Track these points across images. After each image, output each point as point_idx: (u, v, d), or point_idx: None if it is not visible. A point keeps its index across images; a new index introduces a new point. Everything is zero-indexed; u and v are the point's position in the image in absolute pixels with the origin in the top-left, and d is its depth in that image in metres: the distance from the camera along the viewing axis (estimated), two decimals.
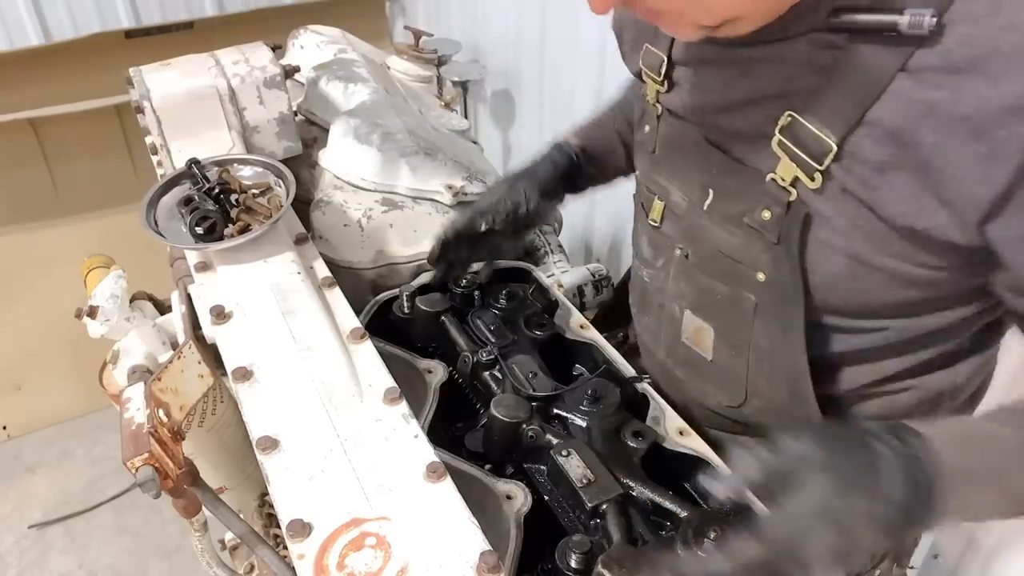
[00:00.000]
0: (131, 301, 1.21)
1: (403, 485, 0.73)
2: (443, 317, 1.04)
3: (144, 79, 1.23)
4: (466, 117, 2.51)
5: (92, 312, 1.12)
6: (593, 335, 1.05)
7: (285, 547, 0.72)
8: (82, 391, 2.59)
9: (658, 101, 0.94)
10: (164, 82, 1.22)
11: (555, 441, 0.84)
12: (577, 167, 1.14)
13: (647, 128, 0.98)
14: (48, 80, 2.32)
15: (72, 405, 2.83)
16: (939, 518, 0.61)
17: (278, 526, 0.73)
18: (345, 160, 1.29)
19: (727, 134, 0.84)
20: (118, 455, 0.76)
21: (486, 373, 0.96)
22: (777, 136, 0.76)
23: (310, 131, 1.45)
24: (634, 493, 0.80)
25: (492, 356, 0.96)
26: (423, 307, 1.04)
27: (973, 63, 0.63)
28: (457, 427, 0.97)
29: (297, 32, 1.70)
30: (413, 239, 1.22)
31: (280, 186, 1.11)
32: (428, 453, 0.76)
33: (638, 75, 1.01)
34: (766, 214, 0.79)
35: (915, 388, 0.88)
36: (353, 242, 1.20)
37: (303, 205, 1.26)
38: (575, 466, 0.80)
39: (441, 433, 0.92)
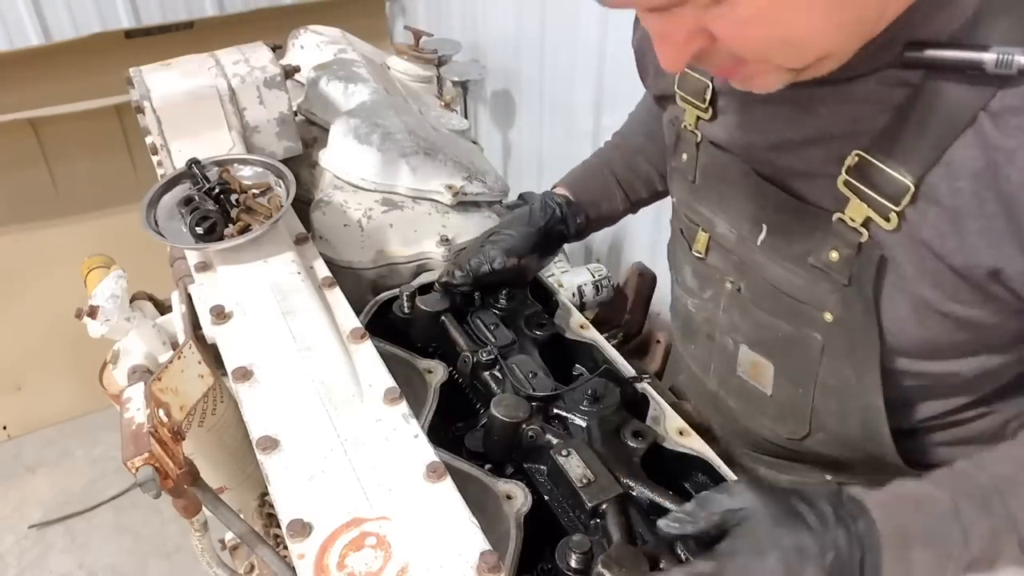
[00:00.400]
0: (131, 301, 1.21)
1: (403, 485, 0.73)
2: (443, 317, 1.04)
3: (144, 79, 1.23)
4: (466, 117, 2.51)
5: (92, 312, 1.12)
6: (593, 335, 1.05)
7: (285, 547, 0.72)
8: (82, 391, 2.59)
9: (697, 127, 0.90)
10: (164, 82, 1.22)
11: (555, 441, 0.84)
12: (562, 220, 1.12)
13: (685, 156, 0.93)
14: (48, 80, 2.32)
15: (72, 405, 2.83)
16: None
17: (278, 526, 0.73)
18: (345, 160, 1.29)
19: (783, 170, 0.80)
20: (118, 455, 0.76)
21: (486, 373, 0.96)
22: (844, 176, 0.73)
23: (310, 131, 1.45)
24: (634, 493, 0.80)
25: (492, 356, 0.96)
26: (423, 307, 1.04)
27: None
28: (457, 427, 0.97)
29: (297, 32, 1.70)
30: (413, 239, 1.22)
31: (280, 186, 1.11)
32: (428, 453, 0.76)
33: (660, 98, 0.99)
34: (834, 255, 0.76)
35: (992, 413, 0.86)
36: (353, 242, 1.20)
37: (303, 205, 1.26)
38: (575, 466, 0.80)
39: (441, 433, 0.92)
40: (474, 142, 1.56)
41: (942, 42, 0.65)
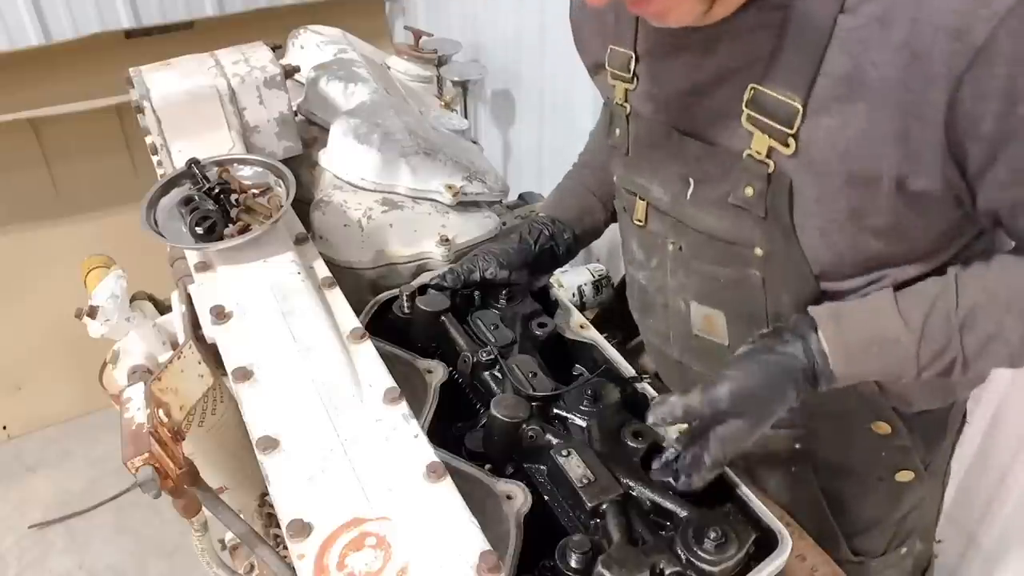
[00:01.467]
0: (131, 301, 1.21)
1: (403, 485, 0.73)
2: (443, 317, 1.04)
3: (144, 79, 1.23)
4: (466, 117, 2.51)
5: (92, 312, 1.12)
6: (593, 335, 1.05)
7: (285, 547, 0.72)
8: (82, 391, 2.59)
9: (627, 100, 0.94)
10: (164, 82, 1.22)
11: (555, 441, 0.84)
12: (551, 238, 1.13)
13: (618, 131, 0.98)
14: (48, 80, 2.32)
15: (72, 405, 2.83)
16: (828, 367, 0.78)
17: (278, 526, 0.73)
18: (345, 160, 1.29)
19: (698, 120, 0.85)
20: (118, 455, 0.76)
21: (486, 373, 0.96)
22: (745, 111, 0.77)
23: (310, 131, 1.45)
24: (634, 493, 0.80)
25: (492, 356, 0.96)
26: (423, 307, 1.04)
27: None
28: (457, 427, 0.97)
29: (297, 32, 1.70)
30: (413, 239, 1.22)
31: (280, 186, 1.11)
32: (428, 453, 0.76)
33: (593, 67, 1.04)
34: (749, 190, 0.80)
35: None
36: (353, 242, 1.20)
37: (303, 205, 1.26)
38: (575, 466, 0.80)
39: (441, 433, 0.92)
40: (474, 142, 1.56)
41: None
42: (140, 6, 2.31)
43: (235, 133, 1.25)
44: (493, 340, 1.00)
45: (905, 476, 1.02)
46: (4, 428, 2.85)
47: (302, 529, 0.68)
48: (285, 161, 1.21)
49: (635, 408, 0.94)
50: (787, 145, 0.75)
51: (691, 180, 0.87)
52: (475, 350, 0.97)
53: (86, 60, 2.31)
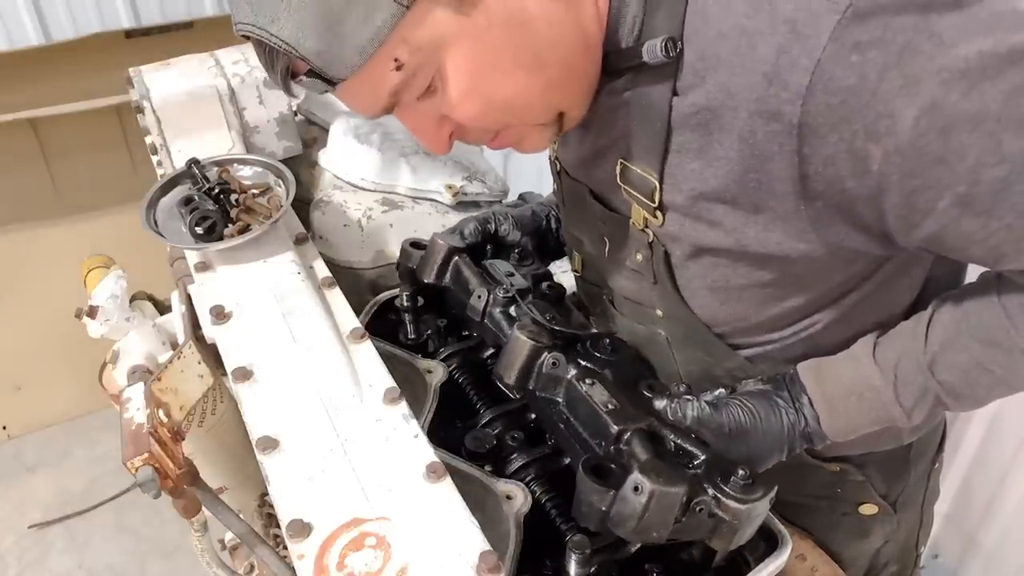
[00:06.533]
0: (131, 301, 1.21)
1: (403, 485, 0.73)
2: (457, 257, 0.98)
3: (144, 79, 1.23)
4: None
5: (92, 312, 1.12)
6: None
7: (285, 547, 0.72)
8: (82, 391, 2.58)
9: (558, 157, 0.96)
10: (164, 82, 1.22)
11: (575, 371, 0.80)
12: (557, 220, 1.13)
13: (555, 185, 1.00)
14: (48, 80, 2.32)
15: (72, 405, 2.83)
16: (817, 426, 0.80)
17: (278, 526, 0.73)
18: (345, 160, 1.29)
19: (598, 186, 0.87)
20: (118, 455, 0.76)
21: (499, 311, 0.90)
22: (621, 184, 0.79)
23: (310, 131, 1.46)
24: (656, 431, 0.76)
25: (510, 294, 0.90)
26: (439, 240, 0.98)
27: (708, 75, 0.66)
28: (457, 427, 0.97)
29: None
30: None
31: (280, 186, 1.11)
32: (428, 453, 0.76)
33: None
34: (639, 256, 0.83)
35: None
36: (353, 242, 1.20)
37: (303, 205, 1.26)
38: (599, 393, 0.77)
39: (441, 433, 0.92)
40: None
41: (623, 47, 0.72)
42: (140, 6, 2.31)
43: (235, 133, 1.25)
44: (509, 284, 0.95)
45: (869, 509, 1.01)
46: (4, 428, 2.85)
47: (302, 529, 0.68)
48: (285, 161, 1.21)
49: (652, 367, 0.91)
50: (655, 216, 0.77)
51: (606, 240, 0.89)
52: (491, 288, 0.92)
53: (86, 60, 2.30)
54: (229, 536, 1.31)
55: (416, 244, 1.03)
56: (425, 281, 0.98)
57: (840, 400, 0.79)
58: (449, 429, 0.96)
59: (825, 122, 0.62)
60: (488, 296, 0.91)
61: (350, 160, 1.28)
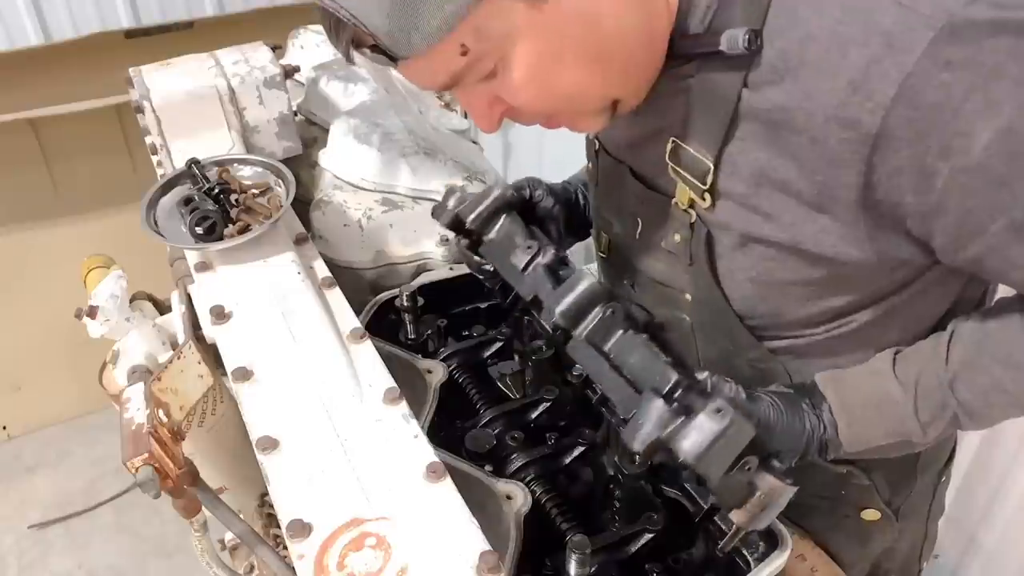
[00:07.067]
0: (131, 301, 1.21)
1: (403, 485, 0.73)
2: (505, 214, 0.93)
3: (144, 79, 1.23)
4: (466, 117, 2.51)
5: (92, 312, 1.12)
6: None
7: (285, 547, 0.72)
8: (82, 391, 2.58)
9: (596, 136, 0.96)
10: (164, 82, 1.22)
11: (628, 324, 0.78)
12: (585, 198, 1.13)
13: (591, 164, 1.00)
14: (48, 80, 2.32)
15: (72, 405, 2.83)
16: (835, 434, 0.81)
17: (278, 526, 0.73)
18: (345, 160, 1.29)
19: (641, 165, 0.88)
20: (118, 455, 0.76)
21: (545, 267, 0.87)
22: (669, 163, 0.80)
23: (310, 131, 1.46)
24: None
25: (562, 254, 0.89)
26: (496, 188, 0.95)
27: (788, 75, 0.66)
28: (457, 427, 0.97)
29: (297, 32, 1.70)
30: (413, 239, 1.22)
31: (280, 186, 1.11)
32: (428, 453, 0.76)
33: None
34: (677, 237, 0.83)
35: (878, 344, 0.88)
36: (353, 242, 1.20)
37: (303, 205, 1.26)
38: (654, 346, 0.77)
39: (441, 433, 0.92)
40: (474, 142, 1.56)
41: (692, 33, 0.72)
42: (140, 6, 2.31)
43: (235, 133, 1.25)
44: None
45: (871, 515, 1.02)
46: (4, 428, 2.84)
47: (302, 529, 0.68)
48: (285, 161, 1.21)
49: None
50: (704, 199, 0.78)
51: (640, 221, 0.90)
52: (542, 244, 0.89)
53: (86, 60, 2.30)
54: (229, 536, 1.31)
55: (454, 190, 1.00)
56: (468, 226, 0.95)
57: (859, 409, 0.80)
58: (449, 429, 0.96)
59: (902, 135, 0.63)
60: (539, 250, 0.89)
61: (350, 160, 1.28)
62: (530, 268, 0.87)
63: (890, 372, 0.81)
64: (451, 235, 1.12)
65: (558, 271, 0.85)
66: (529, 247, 0.88)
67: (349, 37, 0.67)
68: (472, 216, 0.92)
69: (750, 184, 0.74)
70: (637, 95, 0.78)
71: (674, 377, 0.69)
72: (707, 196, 0.77)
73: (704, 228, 0.80)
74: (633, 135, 0.87)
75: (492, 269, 0.95)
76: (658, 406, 0.67)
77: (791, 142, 0.69)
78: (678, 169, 0.79)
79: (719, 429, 0.64)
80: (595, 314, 0.78)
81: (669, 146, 0.79)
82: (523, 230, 0.91)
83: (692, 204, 0.80)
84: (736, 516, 0.71)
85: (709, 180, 0.76)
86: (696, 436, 0.64)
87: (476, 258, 0.96)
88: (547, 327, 0.80)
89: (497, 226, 0.93)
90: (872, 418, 0.80)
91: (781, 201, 0.73)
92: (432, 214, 0.98)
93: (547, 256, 0.87)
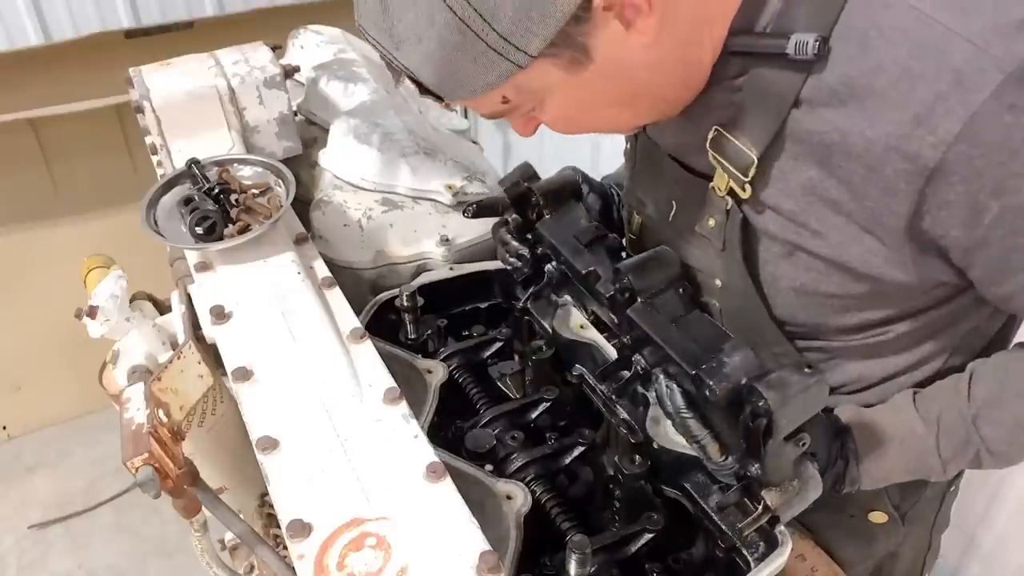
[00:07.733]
0: (131, 301, 1.21)
1: (403, 485, 0.73)
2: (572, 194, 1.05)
3: (144, 79, 1.23)
4: (466, 117, 2.51)
5: (92, 312, 1.12)
6: (593, 335, 1.05)
7: (285, 547, 0.72)
8: (82, 391, 2.58)
9: None
10: (164, 82, 1.22)
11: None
12: (619, 200, 1.15)
13: (629, 144, 1.01)
14: (48, 80, 2.32)
15: (72, 405, 2.83)
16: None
17: (278, 526, 0.73)
18: (345, 160, 1.29)
19: (682, 149, 0.89)
20: (118, 455, 0.76)
21: (605, 250, 0.95)
22: (709, 150, 0.80)
23: (310, 131, 1.46)
24: None
25: (622, 241, 0.96)
26: (570, 170, 1.06)
27: (852, 101, 0.67)
28: (457, 427, 0.97)
29: (297, 32, 1.70)
30: (413, 239, 1.22)
31: (280, 186, 1.11)
32: (428, 453, 0.76)
33: None
34: (711, 221, 0.84)
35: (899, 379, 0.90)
36: (353, 242, 1.20)
37: (303, 205, 1.26)
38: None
39: (441, 433, 0.92)
40: (474, 142, 1.56)
41: (754, 31, 0.73)
42: (140, 6, 2.31)
43: (235, 133, 1.25)
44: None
45: (878, 517, 1.02)
46: (4, 428, 2.84)
47: (302, 529, 0.68)
48: (285, 161, 1.21)
49: None
50: (744, 190, 0.78)
51: (674, 203, 0.91)
52: (604, 232, 0.97)
53: (86, 60, 2.30)
54: (229, 536, 1.31)
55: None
56: (537, 200, 1.02)
57: (881, 444, 0.81)
58: (449, 429, 0.96)
59: (958, 171, 0.64)
60: (604, 232, 0.95)
61: (350, 160, 1.28)
62: (592, 245, 0.94)
63: (911, 408, 0.82)
64: (450, 234, 1.13)
65: (618, 252, 0.93)
66: (597, 227, 0.96)
67: (400, 73, 0.73)
68: (544, 191, 1.01)
69: (800, 201, 0.75)
70: (674, 113, 0.81)
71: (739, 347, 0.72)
72: (747, 186, 0.77)
73: (739, 214, 0.80)
74: (676, 120, 0.87)
75: (527, 255, 1.02)
76: (747, 353, 0.70)
77: (843, 166, 0.70)
78: (718, 157, 0.79)
79: (808, 382, 0.66)
80: (669, 292, 0.83)
81: (712, 134, 0.79)
82: (585, 212, 0.99)
83: (731, 192, 0.80)
84: (770, 497, 0.72)
85: (751, 173, 0.76)
86: (783, 385, 0.66)
87: (514, 243, 0.99)
88: (604, 297, 0.86)
89: (564, 205, 1.01)
90: (894, 452, 0.82)
91: (830, 220, 0.74)
92: (500, 183, 1.07)
93: (609, 239, 0.94)
